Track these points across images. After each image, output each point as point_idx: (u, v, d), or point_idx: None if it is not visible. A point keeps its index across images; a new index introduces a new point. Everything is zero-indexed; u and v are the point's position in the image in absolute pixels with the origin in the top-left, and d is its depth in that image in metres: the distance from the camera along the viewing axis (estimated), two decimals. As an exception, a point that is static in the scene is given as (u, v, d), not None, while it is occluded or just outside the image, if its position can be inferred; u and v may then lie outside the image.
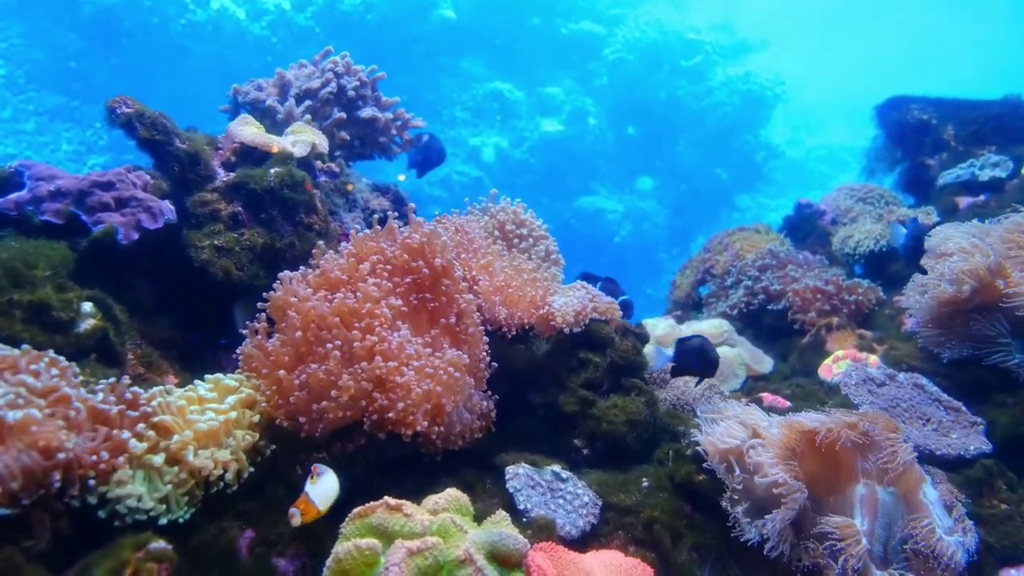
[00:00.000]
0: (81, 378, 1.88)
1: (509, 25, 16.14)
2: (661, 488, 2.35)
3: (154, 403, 1.96)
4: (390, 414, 2.10)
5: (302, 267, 2.47)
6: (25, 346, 1.84)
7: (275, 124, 3.38)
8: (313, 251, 2.54)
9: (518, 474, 2.25)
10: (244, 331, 2.35)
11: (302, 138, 3.13)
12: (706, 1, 20.33)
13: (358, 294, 2.28)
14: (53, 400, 1.73)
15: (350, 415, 2.14)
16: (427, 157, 3.35)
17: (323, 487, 1.83)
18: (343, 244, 2.64)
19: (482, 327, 2.58)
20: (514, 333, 2.72)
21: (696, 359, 2.59)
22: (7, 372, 1.72)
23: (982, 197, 4.21)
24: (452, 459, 2.33)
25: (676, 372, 2.75)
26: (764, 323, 4.02)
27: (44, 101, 13.31)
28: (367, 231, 2.58)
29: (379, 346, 2.16)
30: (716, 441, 2.23)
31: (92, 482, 1.70)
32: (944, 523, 1.96)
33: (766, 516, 1.97)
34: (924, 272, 3.03)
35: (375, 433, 2.16)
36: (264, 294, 2.38)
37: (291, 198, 2.83)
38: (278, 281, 2.38)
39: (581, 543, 2.10)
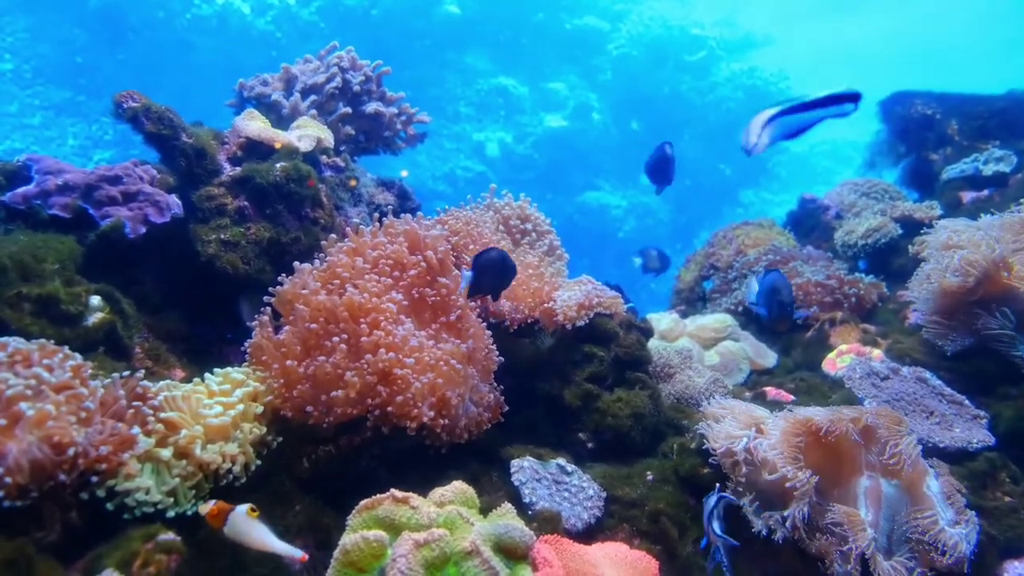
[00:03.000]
0: (91, 372, 1.89)
1: (513, 20, 16.13)
2: (666, 481, 2.36)
3: (160, 397, 1.98)
4: (391, 408, 2.11)
5: (316, 260, 2.48)
6: (42, 340, 1.86)
7: (280, 119, 3.40)
8: (324, 243, 2.55)
9: (523, 467, 2.26)
10: (251, 324, 2.37)
11: (307, 133, 3.14)
12: (710, -4, 20.28)
13: (365, 294, 2.29)
14: (66, 395, 1.74)
15: (356, 412, 2.16)
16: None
17: (250, 525, 1.66)
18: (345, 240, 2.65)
19: (483, 321, 2.59)
20: (518, 327, 2.73)
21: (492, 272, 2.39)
22: (20, 365, 1.73)
23: (986, 191, 4.20)
24: (458, 452, 2.34)
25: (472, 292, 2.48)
26: (768, 317, 4.01)
27: (50, 96, 13.35)
28: (371, 226, 2.59)
29: (384, 339, 2.18)
30: (721, 437, 2.24)
31: (96, 478, 1.71)
32: (947, 515, 1.97)
33: (784, 512, 1.98)
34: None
35: (380, 427, 2.18)
36: (270, 288, 2.40)
37: (297, 192, 2.84)
38: (285, 275, 2.39)
39: (586, 535, 2.11)
